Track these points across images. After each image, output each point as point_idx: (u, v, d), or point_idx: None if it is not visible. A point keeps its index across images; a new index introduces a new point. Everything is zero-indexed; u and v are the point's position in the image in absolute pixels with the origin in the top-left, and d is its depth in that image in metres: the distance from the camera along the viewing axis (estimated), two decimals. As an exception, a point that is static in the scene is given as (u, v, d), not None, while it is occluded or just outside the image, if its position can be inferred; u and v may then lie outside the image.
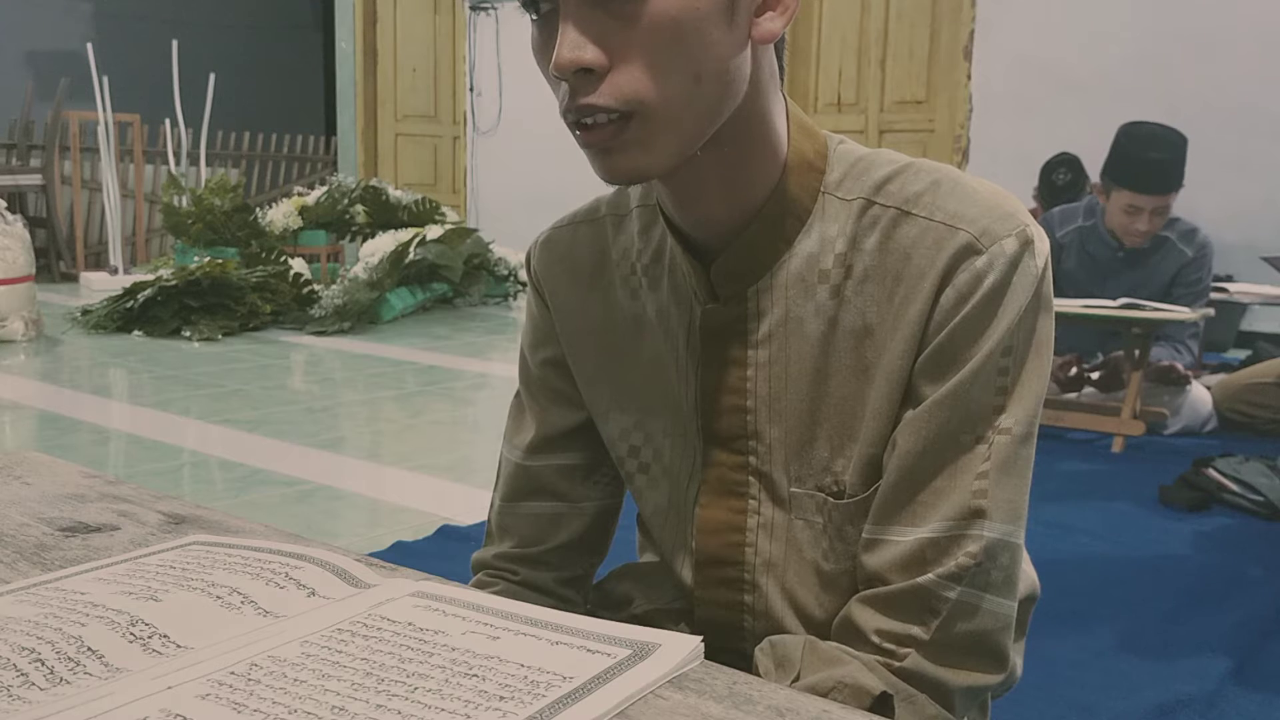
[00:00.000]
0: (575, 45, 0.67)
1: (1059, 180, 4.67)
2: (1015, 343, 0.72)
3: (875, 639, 0.74)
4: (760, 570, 0.82)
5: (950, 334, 0.72)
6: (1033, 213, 4.98)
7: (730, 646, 0.84)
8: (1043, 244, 0.73)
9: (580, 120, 0.70)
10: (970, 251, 0.71)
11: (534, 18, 0.71)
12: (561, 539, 0.91)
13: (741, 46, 0.71)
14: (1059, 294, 3.59)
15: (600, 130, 0.69)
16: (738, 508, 0.82)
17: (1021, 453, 0.73)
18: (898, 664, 0.72)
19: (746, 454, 0.81)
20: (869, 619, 0.74)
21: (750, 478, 0.81)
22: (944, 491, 0.72)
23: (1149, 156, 3.35)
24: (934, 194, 0.74)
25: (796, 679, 0.72)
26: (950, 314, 0.72)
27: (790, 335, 0.77)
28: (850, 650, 0.74)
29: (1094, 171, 4.72)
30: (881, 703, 0.70)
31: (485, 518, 0.96)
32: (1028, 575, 0.88)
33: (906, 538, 0.73)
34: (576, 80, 0.68)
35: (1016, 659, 0.87)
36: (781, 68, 0.78)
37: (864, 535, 0.76)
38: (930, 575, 0.72)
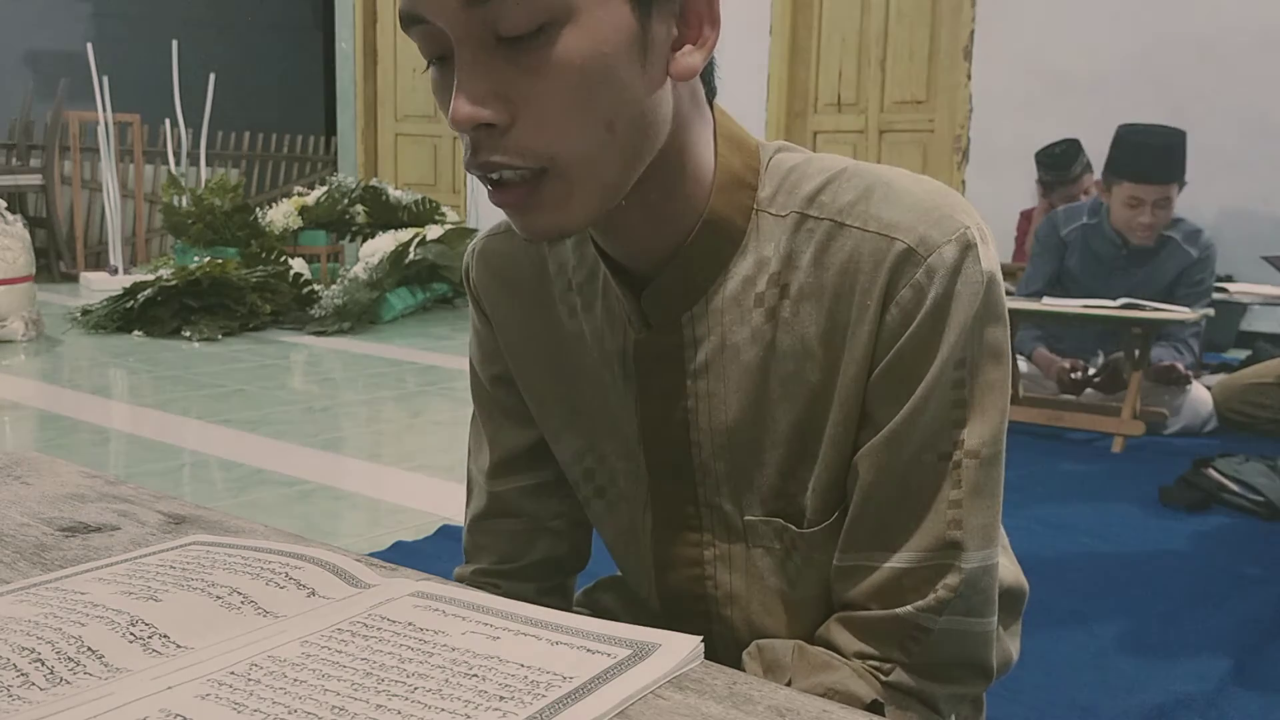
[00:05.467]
0: (473, 98, 0.61)
1: (1056, 149, 4.68)
2: (968, 354, 0.68)
3: (856, 662, 0.72)
4: (724, 603, 0.80)
5: (899, 353, 0.68)
6: (1035, 210, 4.98)
7: None
8: (986, 247, 0.68)
9: (487, 176, 0.64)
10: (909, 263, 0.67)
11: (430, 63, 0.65)
12: (537, 555, 0.89)
13: (657, 86, 0.66)
14: (1064, 292, 3.58)
15: (512, 189, 0.64)
16: (693, 540, 0.79)
17: (992, 474, 0.70)
18: (883, 678, 0.71)
19: (695, 485, 0.78)
20: (848, 641, 0.72)
21: (701, 510, 0.78)
22: (914, 515, 0.70)
23: (1148, 144, 3.40)
24: (866, 202, 0.69)
25: (787, 685, 0.72)
26: (897, 332, 0.68)
27: (728, 364, 0.74)
28: (839, 656, 0.73)
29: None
30: (872, 707, 0.70)
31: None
32: (1010, 570, 0.86)
33: (880, 564, 0.71)
34: (477, 135, 0.63)
35: (1012, 644, 0.85)
36: (713, 86, 0.74)
37: (835, 563, 0.74)
38: (909, 608, 0.70)
